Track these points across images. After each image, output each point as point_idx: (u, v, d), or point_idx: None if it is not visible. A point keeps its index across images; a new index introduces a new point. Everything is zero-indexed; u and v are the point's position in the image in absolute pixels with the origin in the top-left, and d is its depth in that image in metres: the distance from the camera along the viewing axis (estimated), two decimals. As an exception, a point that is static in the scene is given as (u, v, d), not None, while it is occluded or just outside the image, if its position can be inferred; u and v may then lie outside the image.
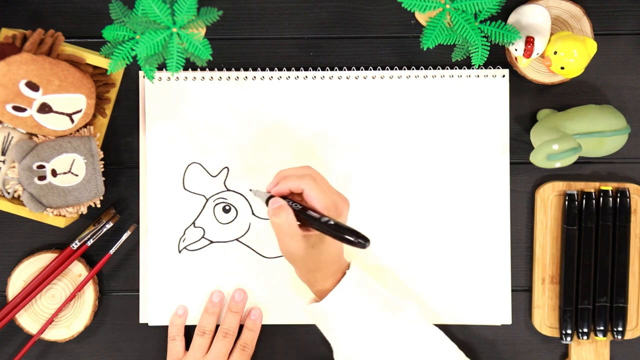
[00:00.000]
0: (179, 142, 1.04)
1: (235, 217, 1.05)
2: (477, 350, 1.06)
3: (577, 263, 1.04)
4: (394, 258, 1.05)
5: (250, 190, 1.00)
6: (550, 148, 0.94)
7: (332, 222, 0.89)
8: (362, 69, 1.04)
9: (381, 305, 0.95)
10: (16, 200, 1.00)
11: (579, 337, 1.04)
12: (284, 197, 0.93)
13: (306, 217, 0.91)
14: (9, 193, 0.99)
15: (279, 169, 1.04)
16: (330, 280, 0.95)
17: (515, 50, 0.98)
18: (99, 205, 1.02)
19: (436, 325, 1.05)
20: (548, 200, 1.05)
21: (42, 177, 0.97)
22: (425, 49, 0.92)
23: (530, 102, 1.05)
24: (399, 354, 0.94)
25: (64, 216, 1.00)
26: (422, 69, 1.04)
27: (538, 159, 0.95)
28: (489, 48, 0.92)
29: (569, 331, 1.04)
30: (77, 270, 1.04)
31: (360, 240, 0.87)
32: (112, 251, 1.04)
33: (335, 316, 0.94)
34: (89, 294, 1.04)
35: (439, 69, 1.04)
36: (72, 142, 0.99)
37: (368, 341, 0.94)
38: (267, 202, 0.94)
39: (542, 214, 1.05)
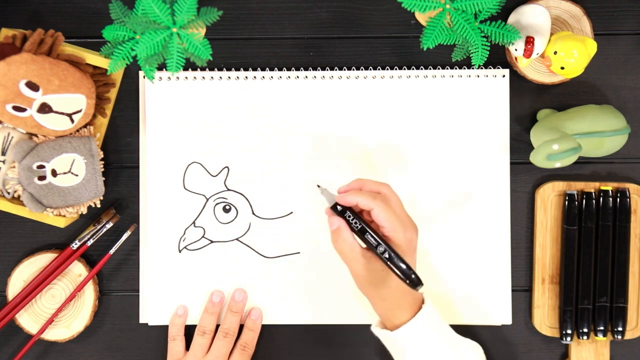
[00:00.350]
0: (179, 142, 1.04)
1: (236, 217, 1.05)
2: (477, 350, 1.06)
3: (577, 263, 1.04)
4: (394, 258, 1.05)
5: (319, 186, 0.97)
6: (550, 148, 0.94)
7: (386, 254, 0.88)
8: (362, 69, 1.04)
9: (449, 345, 0.94)
10: (16, 200, 1.00)
11: (579, 337, 1.04)
12: (350, 209, 0.91)
13: (364, 241, 0.89)
14: (9, 193, 0.99)
15: (279, 169, 1.04)
16: (407, 312, 0.92)
17: (515, 50, 0.98)
18: (99, 205, 1.02)
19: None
20: (548, 200, 1.05)
21: (42, 177, 0.97)
22: (425, 49, 0.92)
23: (530, 102, 1.05)
24: None
25: (64, 216, 1.00)
26: (422, 69, 1.04)
27: (538, 159, 0.95)
28: (489, 48, 0.92)
29: (569, 331, 1.04)
30: (77, 270, 1.04)
31: (408, 281, 0.87)
32: (112, 251, 1.04)
33: (407, 347, 0.93)
34: (89, 294, 1.04)
35: (439, 69, 1.04)
36: (72, 142, 0.99)
37: None
38: (331, 207, 0.93)
39: (542, 214, 1.05)
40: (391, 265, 0.88)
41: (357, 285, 0.93)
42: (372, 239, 0.89)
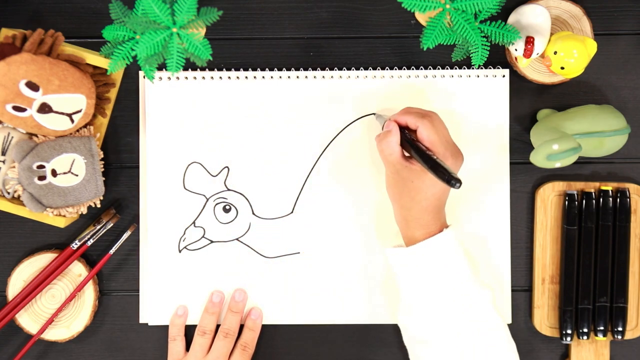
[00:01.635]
0: (179, 142, 1.04)
1: (236, 217, 1.05)
2: (477, 350, 1.06)
3: (577, 263, 1.04)
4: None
5: (374, 114, 1.02)
6: (550, 148, 0.94)
7: (431, 155, 0.90)
8: (362, 69, 1.04)
9: (466, 275, 0.94)
10: (16, 200, 1.00)
11: (579, 337, 1.04)
12: (402, 129, 0.95)
13: (412, 146, 0.92)
14: (9, 193, 0.99)
15: (279, 169, 1.04)
16: (422, 230, 0.94)
17: (515, 50, 0.98)
18: (99, 205, 1.02)
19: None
20: (548, 200, 1.05)
21: (42, 177, 0.97)
22: (425, 49, 0.92)
23: (530, 102, 1.05)
24: (461, 326, 0.93)
25: (64, 216, 1.00)
26: (422, 69, 1.04)
27: (538, 159, 0.95)
28: (489, 48, 0.92)
29: (569, 331, 1.04)
30: (77, 270, 1.04)
31: (451, 179, 0.88)
32: (112, 251, 1.04)
33: (419, 266, 0.94)
34: (89, 294, 1.04)
35: (439, 69, 1.04)
36: (72, 142, 0.99)
37: (440, 302, 0.93)
38: (382, 127, 0.97)
39: (542, 214, 1.05)
40: (431, 163, 0.90)
41: (387, 189, 0.97)
42: (415, 149, 0.92)
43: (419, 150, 0.92)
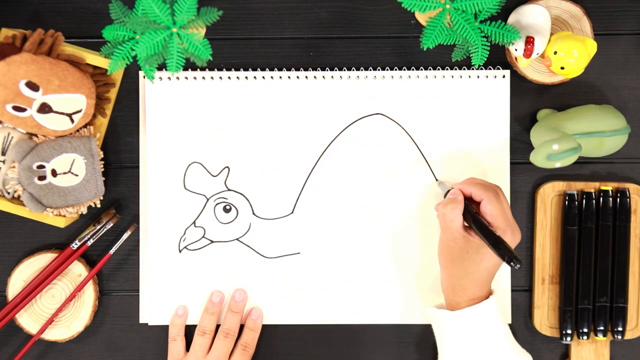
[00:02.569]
0: (179, 142, 1.04)
1: (236, 217, 1.05)
2: (477, 350, 1.06)
3: (577, 263, 1.04)
4: (394, 257, 1.05)
5: (437, 180, 1.03)
6: (550, 148, 0.94)
7: (493, 231, 0.91)
8: (362, 69, 1.04)
9: (500, 347, 0.96)
10: (16, 200, 1.00)
11: (579, 337, 1.04)
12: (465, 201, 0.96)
13: (473, 219, 0.93)
14: (9, 193, 0.99)
15: (279, 169, 1.04)
16: (467, 298, 0.96)
17: (515, 50, 0.98)
18: (99, 205, 1.02)
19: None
20: (548, 200, 1.05)
21: (42, 177, 0.97)
22: (425, 49, 0.92)
23: (530, 102, 1.05)
24: None
25: (64, 216, 1.00)
26: (422, 69, 1.04)
27: (538, 159, 0.95)
28: (489, 48, 0.92)
29: (569, 331, 1.04)
30: (77, 270, 1.04)
31: (512, 259, 0.88)
32: (112, 251, 1.04)
33: (462, 330, 0.95)
34: (89, 294, 1.04)
35: (439, 69, 1.04)
36: (72, 142, 0.99)
37: None
38: (445, 195, 0.98)
39: (542, 214, 1.05)
40: (495, 241, 0.90)
41: (438, 254, 0.98)
42: (477, 222, 0.93)
43: (480, 224, 0.93)
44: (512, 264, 0.88)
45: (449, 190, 0.98)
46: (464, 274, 0.95)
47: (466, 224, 0.95)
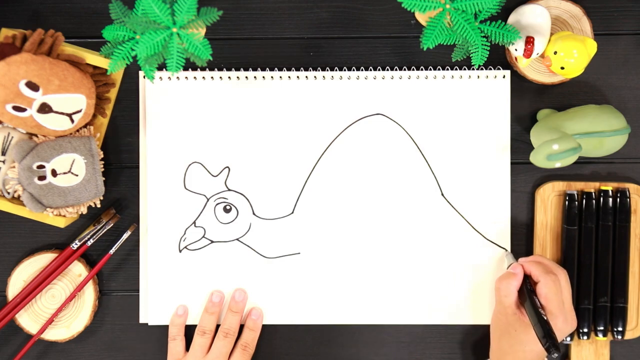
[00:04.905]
0: (180, 142, 1.04)
1: (236, 217, 1.05)
2: (477, 349, 1.06)
3: (577, 263, 1.04)
4: (394, 257, 1.05)
5: (505, 250, 1.04)
6: (550, 148, 0.94)
7: (542, 314, 0.91)
8: (362, 69, 1.04)
9: None
10: (16, 200, 1.00)
11: (579, 337, 1.04)
12: (526, 276, 0.97)
13: (527, 296, 0.93)
14: (9, 193, 0.99)
15: (279, 169, 1.04)
16: None
17: (515, 50, 0.98)
18: (99, 205, 1.02)
19: (437, 324, 1.05)
20: (548, 200, 1.05)
21: (42, 177, 0.97)
22: (425, 49, 0.92)
23: (530, 102, 1.05)
24: None
25: (64, 216, 1.00)
26: (422, 69, 1.04)
27: (538, 159, 0.95)
28: (489, 48, 0.92)
29: (569, 331, 1.04)
30: (77, 270, 1.04)
31: (551, 347, 0.88)
32: (112, 251, 1.04)
33: None
34: (89, 294, 1.04)
35: (439, 69, 1.04)
36: (72, 142, 0.99)
37: None
38: (507, 267, 0.99)
39: (542, 214, 1.05)
40: (538, 322, 0.90)
41: (491, 324, 1.01)
42: (530, 302, 0.93)
43: (532, 303, 0.93)
44: (550, 350, 0.88)
45: (511, 264, 1.00)
46: (510, 350, 0.96)
47: (521, 302, 0.96)
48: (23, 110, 0.95)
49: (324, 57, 1.05)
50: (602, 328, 1.04)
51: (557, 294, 0.94)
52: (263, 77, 1.04)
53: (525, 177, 1.06)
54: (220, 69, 1.04)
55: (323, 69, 1.04)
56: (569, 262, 1.04)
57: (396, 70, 1.04)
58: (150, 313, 1.05)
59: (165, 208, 1.05)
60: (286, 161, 1.05)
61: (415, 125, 1.04)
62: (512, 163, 1.05)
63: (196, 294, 1.05)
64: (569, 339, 1.04)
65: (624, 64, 1.05)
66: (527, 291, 0.95)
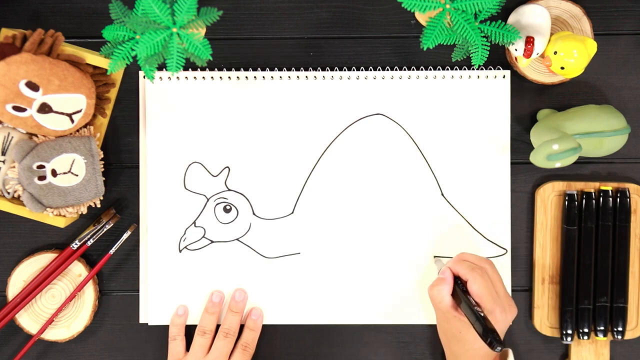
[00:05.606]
0: (180, 141, 1.04)
1: (236, 217, 1.05)
2: (477, 350, 1.06)
3: (577, 263, 1.04)
4: (394, 257, 1.05)
5: (435, 257, 1.04)
6: (550, 148, 0.94)
7: (478, 311, 0.90)
8: (362, 69, 1.04)
9: None
10: (16, 200, 1.00)
11: (579, 337, 1.04)
12: (456, 277, 0.96)
13: (460, 297, 0.93)
14: (9, 193, 0.99)
15: (279, 169, 1.04)
16: None
17: (515, 50, 0.98)
18: (99, 205, 1.02)
19: (436, 324, 1.05)
20: (548, 200, 1.05)
21: (42, 177, 0.97)
22: (425, 49, 0.92)
23: (530, 102, 1.05)
24: None
25: (64, 216, 1.00)
26: (422, 69, 1.04)
27: (538, 159, 0.95)
28: (489, 48, 0.92)
29: (569, 331, 1.04)
30: (77, 270, 1.04)
31: (491, 341, 0.87)
32: (112, 251, 1.04)
33: None
34: (89, 294, 1.04)
35: (439, 69, 1.04)
36: (72, 142, 0.99)
37: None
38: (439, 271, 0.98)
39: (542, 214, 1.05)
40: (475, 320, 0.90)
41: (438, 333, 1.00)
42: (463, 301, 0.93)
43: (467, 303, 0.92)
44: (492, 345, 0.87)
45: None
46: (462, 352, 0.96)
47: (457, 303, 0.95)
48: (23, 110, 0.95)
49: (324, 57, 1.05)
50: (602, 328, 1.04)
51: (487, 287, 0.93)
52: (263, 77, 1.04)
53: (525, 177, 1.06)
54: (220, 69, 1.04)
55: (323, 69, 1.04)
56: (569, 262, 1.04)
57: (396, 70, 1.04)
58: (150, 313, 1.05)
59: (165, 208, 1.05)
60: (286, 161, 1.05)
61: (415, 125, 1.04)
62: (512, 163, 1.05)
63: (196, 294, 1.05)
64: (569, 339, 1.04)
65: (624, 64, 1.05)
66: (460, 292, 0.94)
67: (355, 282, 1.05)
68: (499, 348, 0.87)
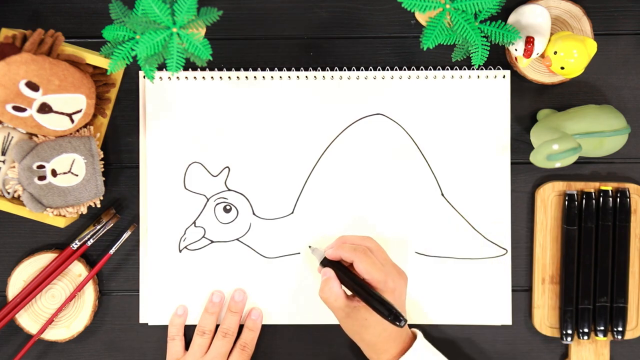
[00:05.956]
0: (180, 142, 1.04)
1: (236, 217, 1.05)
2: (477, 350, 1.06)
3: (577, 263, 1.04)
4: (394, 257, 1.05)
5: (310, 247, 1.04)
6: (550, 148, 0.94)
7: (372, 292, 0.91)
8: (362, 69, 1.04)
9: None
10: (16, 200, 1.00)
11: (579, 337, 1.04)
12: (339, 262, 0.96)
13: (350, 284, 0.93)
14: (9, 193, 0.99)
15: (279, 169, 1.04)
16: (394, 351, 0.96)
17: (515, 50, 0.98)
18: (99, 205, 1.02)
19: (436, 324, 1.05)
20: (548, 200, 1.05)
21: (42, 177, 0.97)
22: (425, 49, 0.92)
23: (530, 102, 1.05)
24: None
25: (64, 216, 1.00)
26: (422, 69, 1.04)
27: (538, 159, 0.95)
28: (489, 48, 0.92)
29: (569, 331, 1.04)
30: (77, 270, 1.04)
31: (391, 317, 0.89)
32: (112, 251, 1.04)
33: None
34: (89, 294, 1.04)
35: (439, 69, 1.04)
36: (72, 142, 0.99)
37: None
38: (321, 263, 0.98)
39: (542, 214, 1.05)
40: (373, 305, 0.91)
41: (345, 331, 0.98)
42: (354, 286, 0.93)
43: (359, 287, 0.93)
44: (396, 323, 0.89)
45: (323, 260, 0.98)
46: (376, 337, 0.95)
47: (352, 292, 0.95)
48: (23, 110, 0.95)
49: (324, 57, 1.05)
50: (602, 328, 1.04)
51: (373, 263, 0.94)
52: (263, 77, 1.04)
53: (525, 177, 1.06)
54: (220, 69, 1.04)
55: (323, 69, 1.04)
56: (569, 262, 1.04)
57: (396, 70, 1.04)
58: (150, 313, 1.05)
59: (165, 208, 1.05)
60: (286, 161, 1.05)
61: (415, 125, 1.04)
62: (512, 163, 1.05)
63: (196, 294, 1.05)
64: (569, 339, 1.04)
65: (624, 64, 1.05)
66: (348, 280, 0.94)
67: (355, 282, 1.05)
68: (403, 322, 0.88)
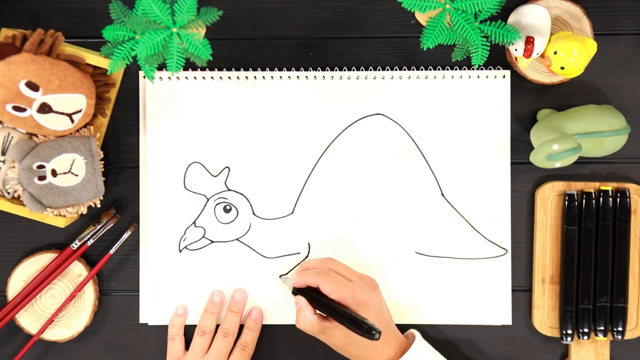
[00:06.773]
0: (180, 142, 1.04)
1: (236, 217, 1.05)
2: (477, 350, 1.06)
3: (577, 263, 1.04)
4: (394, 257, 1.05)
5: (280, 277, 1.05)
6: (550, 148, 0.94)
7: (344, 311, 0.92)
8: (362, 69, 1.04)
9: None
10: (16, 200, 1.00)
11: (579, 337, 1.04)
12: (308, 287, 0.97)
13: (322, 308, 0.94)
14: (9, 193, 0.99)
15: (279, 169, 1.04)
16: (391, 353, 0.97)
17: (515, 50, 0.98)
18: (99, 205, 1.02)
19: (435, 325, 1.05)
20: (548, 200, 1.05)
21: (42, 177, 0.97)
22: (425, 49, 0.92)
23: (530, 102, 1.05)
24: None
25: (64, 216, 1.00)
26: (422, 69, 1.04)
27: (538, 159, 0.95)
28: (489, 48, 0.92)
29: (569, 331, 1.04)
30: (77, 270, 1.04)
31: (367, 333, 0.89)
32: (112, 251, 1.04)
33: None
34: (89, 294, 1.04)
35: (439, 69, 1.04)
36: (72, 142, 0.99)
37: None
38: (292, 292, 0.99)
39: (542, 214, 1.05)
40: (345, 325, 0.92)
41: (339, 351, 0.98)
42: (325, 309, 0.94)
43: (331, 310, 0.93)
44: (371, 335, 0.89)
45: (294, 290, 0.99)
46: (363, 351, 0.96)
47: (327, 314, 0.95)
48: (23, 110, 0.95)
49: (324, 57, 1.05)
50: (602, 328, 1.04)
51: (337, 282, 0.94)
52: (263, 77, 1.04)
53: (525, 177, 1.06)
54: (220, 69, 1.04)
55: (323, 69, 1.04)
56: (569, 262, 1.04)
57: (396, 70, 1.04)
58: (150, 313, 1.05)
59: (165, 208, 1.05)
60: (286, 161, 1.05)
61: (415, 125, 1.04)
62: (512, 163, 1.05)
63: (196, 294, 1.05)
64: (569, 339, 1.04)
65: (624, 64, 1.05)
66: (320, 303, 0.95)
67: (355, 282, 1.05)
68: (377, 335, 0.89)
